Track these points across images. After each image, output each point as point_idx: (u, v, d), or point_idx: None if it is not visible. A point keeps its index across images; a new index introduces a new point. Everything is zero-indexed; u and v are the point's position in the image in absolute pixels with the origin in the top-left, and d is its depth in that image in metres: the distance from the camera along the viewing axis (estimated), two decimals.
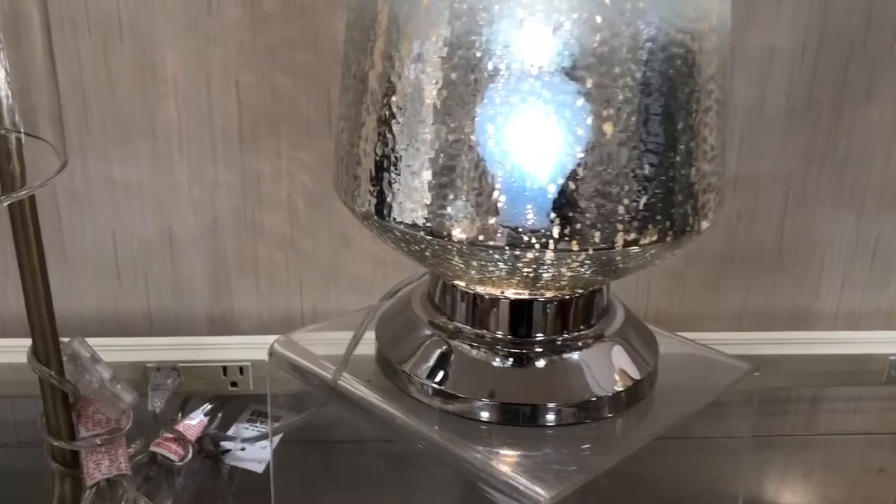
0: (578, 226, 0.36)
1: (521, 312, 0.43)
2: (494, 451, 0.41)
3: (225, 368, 0.66)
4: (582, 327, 0.44)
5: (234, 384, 0.67)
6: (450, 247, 0.38)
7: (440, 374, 0.44)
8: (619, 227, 0.36)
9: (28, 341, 0.51)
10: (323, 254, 0.70)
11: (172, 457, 0.63)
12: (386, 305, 0.50)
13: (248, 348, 0.68)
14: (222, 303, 0.71)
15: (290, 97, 0.66)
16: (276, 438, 0.57)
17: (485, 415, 0.43)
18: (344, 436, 0.58)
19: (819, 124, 0.69)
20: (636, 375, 0.44)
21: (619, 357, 0.44)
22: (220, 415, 0.67)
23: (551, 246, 0.36)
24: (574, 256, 0.36)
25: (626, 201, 0.36)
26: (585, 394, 0.42)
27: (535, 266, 0.38)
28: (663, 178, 0.36)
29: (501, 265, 0.38)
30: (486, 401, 0.42)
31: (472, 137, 0.36)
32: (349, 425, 0.53)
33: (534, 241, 0.36)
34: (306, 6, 0.64)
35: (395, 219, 0.39)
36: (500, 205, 0.36)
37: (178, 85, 0.65)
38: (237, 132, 0.67)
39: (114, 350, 0.64)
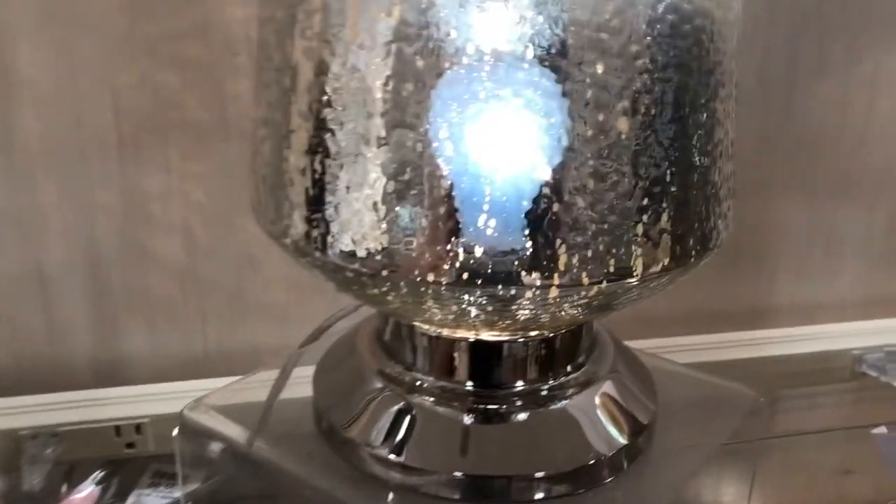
0: (579, 255, 0.28)
1: (494, 357, 0.35)
2: None
3: (118, 428, 0.55)
4: (569, 369, 0.36)
5: (130, 445, 0.56)
6: (410, 286, 0.29)
7: (397, 440, 0.35)
8: (636, 251, 0.28)
9: None
10: (227, 281, 0.60)
11: None
12: (322, 348, 0.41)
13: (146, 401, 0.57)
14: (109, 348, 0.59)
15: (178, 99, 0.56)
16: None
17: (455, 492, 0.34)
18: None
19: (771, 106, 0.64)
20: (637, 424, 0.36)
21: (616, 403, 0.36)
22: (115, 482, 0.56)
23: (545, 281, 0.28)
24: (575, 293, 0.28)
25: (642, 220, 0.28)
26: (580, 455, 0.35)
27: (522, 306, 0.29)
28: (686, 185, 0.29)
29: (475, 307, 0.30)
30: (457, 474, 0.34)
31: (436, 147, 0.27)
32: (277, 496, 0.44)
33: (523, 276, 0.28)
34: None
35: (338, 251, 0.30)
36: (471, 231, 0.27)
37: (37, 88, 0.54)
38: (115, 143, 0.56)
39: None
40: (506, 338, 0.35)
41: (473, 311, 0.29)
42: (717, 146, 0.30)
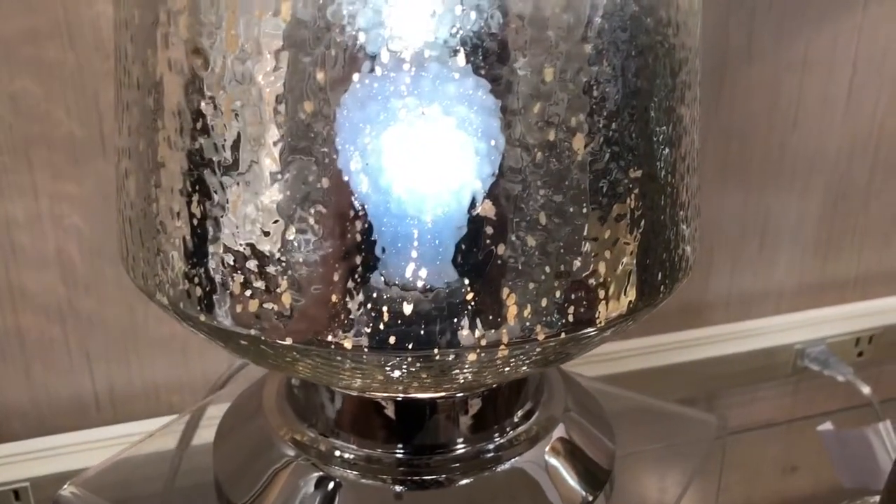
0: (531, 306, 0.22)
1: (428, 416, 0.30)
2: None
3: None
4: (516, 420, 0.31)
5: None
6: (323, 354, 0.23)
7: None
8: (599, 294, 0.23)
9: None
10: (115, 315, 0.53)
11: None
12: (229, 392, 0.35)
13: (25, 460, 0.49)
14: None
15: (43, 110, 0.48)
16: None
17: None
18: None
19: (701, 94, 0.60)
20: (599, 472, 0.31)
21: (574, 452, 0.31)
22: None
23: (483, 341, 0.22)
24: (527, 349, 0.23)
25: (606, 254, 0.23)
26: None
27: (457, 370, 0.24)
28: (652, 209, 0.24)
29: (405, 374, 0.24)
30: None
31: (346, 180, 0.21)
32: None
33: (458, 334, 0.22)
34: None
35: (227, 314, 0.23)
36: (396, 284, 0.22)
37: None
38: None
39: None
40: (441, 394, 0.29)
41: (404, 379, 0.24)
42: (683, 159, 0.25)
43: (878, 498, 0.56)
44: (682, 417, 0.37)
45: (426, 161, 0.21)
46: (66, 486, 0.33)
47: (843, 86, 0.65)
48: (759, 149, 0.63)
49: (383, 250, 0.21)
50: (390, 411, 0.29)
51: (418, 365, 0.23)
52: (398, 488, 0.29)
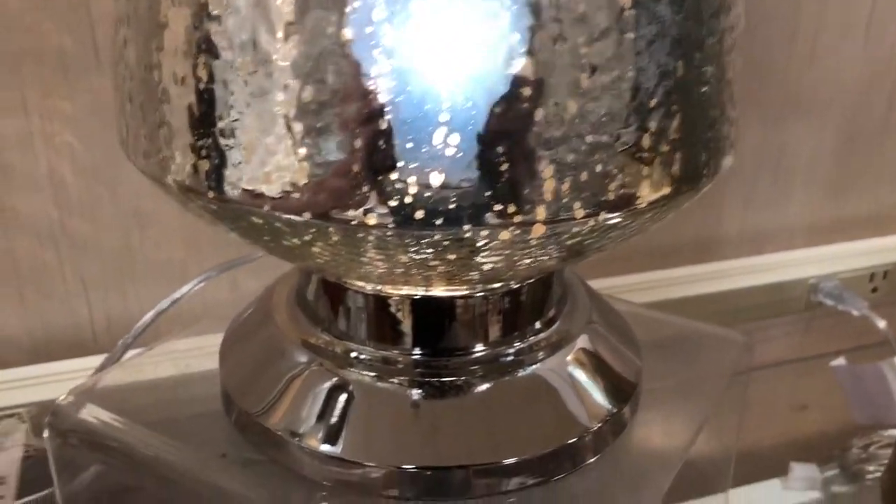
0: (570, 180, 0.21)
1: (447, 318, 0.28)
2: None
3: None
4: (538, 326, 0.29)
5: None
6: (344, 233, 0.21)
7: (329, 427, 0.28)
8: (642, 170, 0.21)
9: None
10: (111, 240, 0.51)
11: None
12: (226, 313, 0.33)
13: (22, 387, 0.48)
14: None
15: (29, 21, 0.45)
16: None
17: (404, 489, 0.27)
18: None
19: None
20: (625, 385, 0.30)
21: (598, 362, 0.30)
22: None
23: (518, 217, 0.21)
24: (564, 229, 0.21)
25: (651, 126, 0.21)
26: (559, 431, 0.28)
27: (487, 252, 0.22)
28: (699, 80, 0.22)
29: (431, 256, 0.22)
30: (406, 468, 0.27)
31: (369, 33, 0.19)
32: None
33: (490, 209, 0.21)
34: None
35: (239, 190, 0.22)
36: (424, 152, 0.20)
37: None
38: None
39: None
40: (460, 292, 0.28)
41: (429, 262, 0.22)
42: (732, 30, 0.23)
43: (892, 432, 0.55)
44: (707, 336, 0.35)
45: (458, 11, 0.19)
46: (63, 396, 0.31)
47: (862, 16, 0.62)
48: (777, 81, 0.61)
49: (410, 114, 0.19)
50: (408, 311, 0.27)
51: (445, 244, 0.21)
52: (415, 392, 0.28)
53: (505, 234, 0.21)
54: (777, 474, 0.55)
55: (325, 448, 0.27)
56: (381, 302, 0.28)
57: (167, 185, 0.23)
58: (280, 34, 0.19)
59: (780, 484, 0.54)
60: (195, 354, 0.34)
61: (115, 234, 0.51)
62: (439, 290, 0.27)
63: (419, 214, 0.20)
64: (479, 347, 0.29)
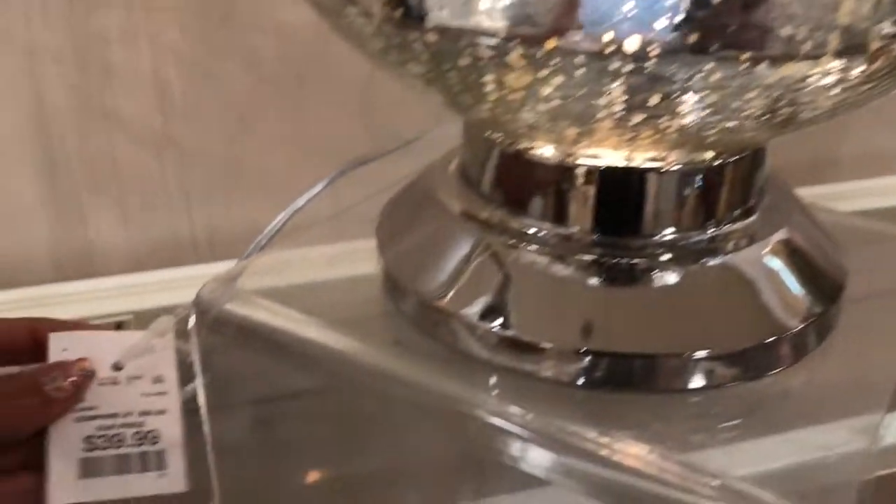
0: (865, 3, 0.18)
1: (634, 194, 0.26)
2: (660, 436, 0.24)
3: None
4: (735, 214, 0.27)
5: None
6: (549, 56, 0.19)
7: (504, 309, 0.26)
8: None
9: None
10: (214, 147, 0.49)
11: None
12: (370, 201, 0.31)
13: (125, 294, 0.46)
14: (72, 234, 0.48)
15: None
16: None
17: (580, 375, 0.25)
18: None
19: None
20: (830, 286, 0.27)
21: (803, 258, 0.27)
22: None
23: (803, 45, 0.18)
24: (851, 63, 0.18)
25: None
26: (755, 328, 0.26)
27: (685, 91, 0.19)
28: None
29: (627, 94, 0.20)
30: (583, 351, 0.25)
31: None
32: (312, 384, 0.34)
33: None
34: None
35: (438, 23, 0.19)
36: None
37: None
38: None
39: None
40: (651, 165, 0.25)
41: (615, 104, 0.19)
42: None
43: None
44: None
45: None
46: (206, 284, 0.29)
47: None
48: None
49: None
50: (593, 184, 0.25)
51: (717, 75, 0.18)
52: (595, 274, 0.25)
53: (788, 69, 0.18)
54: None
55: (500, 330, 0.25)
56: (565, 173, 0.25)
57: (361, 19, 0.21)
58: None
59: None
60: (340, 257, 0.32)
61: (219, 140, 0.49)
62: (639, 156, 0.24)
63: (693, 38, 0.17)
64: (670, 231, 0.26)
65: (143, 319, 0.45)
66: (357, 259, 0.30)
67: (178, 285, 0.48)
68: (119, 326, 0.45)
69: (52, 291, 0.45)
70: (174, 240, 0.50)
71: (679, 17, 0.17)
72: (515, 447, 0.25)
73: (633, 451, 0.24)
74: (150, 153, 0.48)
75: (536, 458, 0.25)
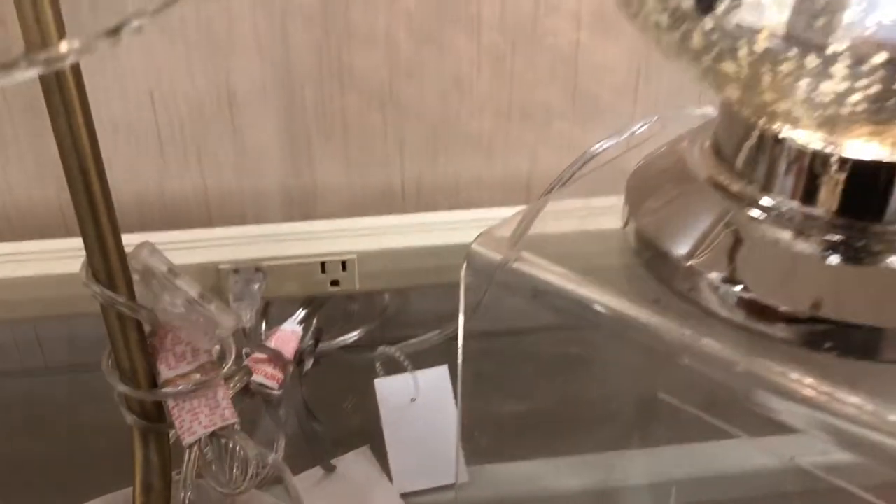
0: None
1: (879, 183, 0.28)
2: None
3: (323, 264, 0.50)
4: None
5: (334, 283, 0.51)
6: (822, 65, 0.21)
7: (752, 274, 0.29)
8: None
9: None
10: (431, 106, 0.53)
11: (271, 383, 0.48)
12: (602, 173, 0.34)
13: (346, 236, 0.51)
14: (303, 178, 0.54)
15: None
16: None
17: (813, 339, 0.28)
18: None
19: None
20: None
21: None
22: (314, 322, 0.52)
23: None
24: None
25: None
26: None
27: None
28: None
29: None
30: (818, 317, 0.28)
31: None
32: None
33: None
34: None
35: (736, 22, 0.22)
36: None
37: None
38: None
39: (166, 249, 0.48)
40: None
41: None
42: None
43: None
44: None
45: None
46: (475, 242, 0.33)
47: None
48: None
49: None
50: (842, 171, 0.27)
51: None
52: (834, 252, 0.28)
53: None
54: None
55: (742, 292, 0.28)
56: (818, 158, 0.28)
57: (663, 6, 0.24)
58: None
59: None
60: (581, 213, 0.35)
61: (435, 100, 0.53)
62: (888, 144, 0.26)
63: None
64: None
65: (365, 260, 0.50)
66: (605, 214, 0.33)
67: (392, 231, 0.52)
68: (343, 266, 0.51)
69: (287, 230, 0.51)
70: (388, 187, 0.55)
71: None
72: (753, 394, 0.28)
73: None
74: (374, 107, 0.53)
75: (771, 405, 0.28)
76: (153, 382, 0.38)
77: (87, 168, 0.32)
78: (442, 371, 0.50)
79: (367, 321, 0.55)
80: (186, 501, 0.39)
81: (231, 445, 0.39)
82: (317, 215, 0.54)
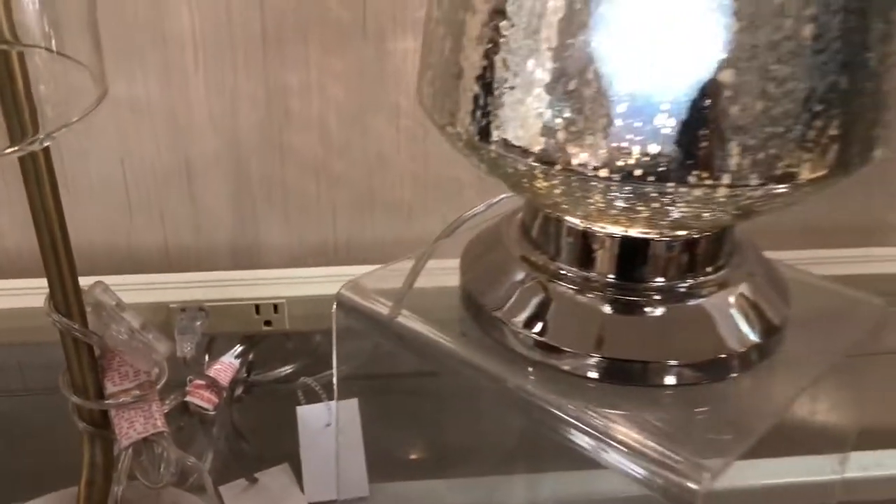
0: (750, 157, 0.29)
1: (637, 254, 0.37)
2: (623, 414, 0.35)
3: (258, 307, 0.59)
4: (708, 270, 0.38)
5: (267, 323, 0.60)
6: (582, 181, 0.31)
7: (541, 323, 0.38)
8: (789, 157, 0.29)
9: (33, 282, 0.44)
10: (357, 177, 0.63)
11: (206, 405, 0.57)
12: (458, 240, 0.44)
13: (282, 284, 0.61)
14: (248, 235, 0.64)
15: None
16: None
17: (592, 372, 0.37)
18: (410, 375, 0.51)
19: None
20: (768, 325, 0.38)
21: (751, 304, 0.38)
22: (251, 357, 0.61)
23: (695, 180, 0.29)
24: (741, 194, 0.30)
25: (799, 127, 0.29)
26: (712, 349, 0.37)
27: (671, 203, 0.31)
28: (857, 92, 0.29)
29: (629, 200, 0.31)
30: (595, 356, 0.37)
31: (599, 42, 0.28)
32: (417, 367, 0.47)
33: (674, 173, 0.29)
34: None
35: (501, 142, 0.32)
36: (648, 129, 0.29)
37: None
38: (260, 38, 0.58)
39: (129, 289, 0.57)
40: (651, 235, 0.36)
41: (619, 205, 0.31)
42: (891, 55, 0.30)
43: None
44: (849, 298, 0.42)
45: (681, 34, 0.28)
46: (343, 287, 0.42)
47: None
48: None
49: (641, 102, 0.28)
50: (608, 246, 0.37)
51: (652, 195, 0.30)
52: (606, 306, 0.37)
53: (697, 192, 0.29)
54: None
55: (537, 336, 0.37)
56: (589, 236, 0.37)
57: (452, 134, 0.33)
58: (546, 35, 0.29)
59: None
60: (437, 272, 0.45)
61: (361, 172, 0.63)
62: (636, 231, 0.36)
63: (638, 172, 0.29)
64: (659, 279, 0.37)
65: (294, 304, 0.60)
66: (449, 274, 0.42)
67: (320, 281, 0.62)
68: (275, 308, 0.60)
69: (230, 276, 0.61)
70: (322, 244, 0.65)
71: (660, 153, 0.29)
72: (540, 419, 0.37)
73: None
74: (309, 177, 0.63)
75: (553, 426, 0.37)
76: (100, 395, 0.47)
77: (52, 224, 0.42)
78: (353, 402, 0.59)
79: (301, 357, 0.64)
80: (119, 494, 0.48)
81: (160, 450, 0.48)
82: (260, 266, 0.64)
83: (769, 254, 0.59)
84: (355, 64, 0.59)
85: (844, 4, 0.28)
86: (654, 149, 0.29)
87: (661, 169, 0.29)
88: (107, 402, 0.47)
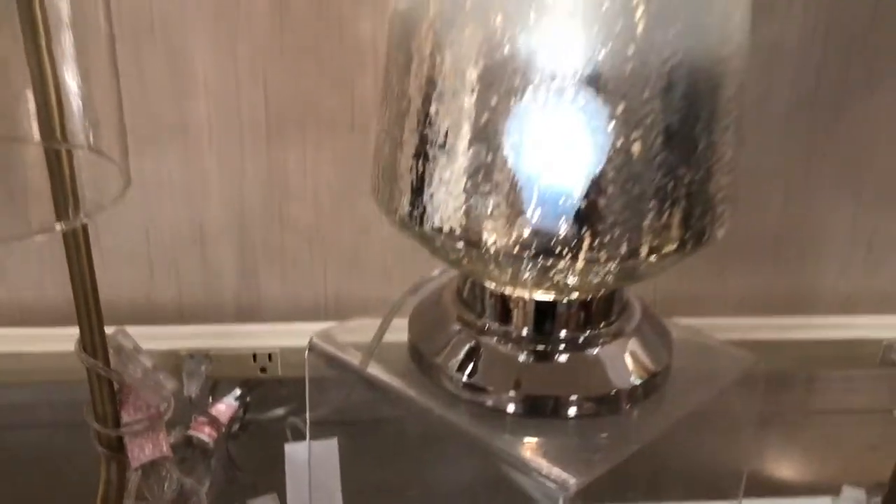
0: (607, 237, 0.39)
1: (545, 312, 0.46)
2: (524, 440, 0.44)
3: (255, 355, 0.69)
4: (602, 325, 0.47)
5: (262, 370, 0.70)
6: (483, 254, 0.41)
7: (470, 368, 0.47)
8: (645, 238, 0.39)
9: (65, 330, 0.54)
10: (346, 244, 0.73)
11: (206, 439, 0.66)
12: (416, 300, 0.54)
13: (276, 335, 0.71)
14: (250, 292, 0.74)
15: (315, 91, 0.69)
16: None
17: (512, 407, 0.46)
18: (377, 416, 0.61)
19: (820, 118, 0.72)
20: (651, 370, 0.47)
21: (636, 353, 0.47)
22: (248, 399, 0.71)
23: (581, 255, 0.39)
24: (601, 266, 0.39)
25: (651, 215, 0.39)
26: (605, 387, 0.46)
27: (564, 273, 0.41)
28: (686, 192, 0.39)
29: (531, 271, 0.41)
30: (513, 393, 0.46)
31: (507, 153, 0.38)
32: (381, 409, 0.57)
33: (564, 251, 0.39)
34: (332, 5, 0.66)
35: (431, 227, 0.42)
36: (532, 217, 0.39)
37: (208, 83, 0.68)
38: (264, 127, 0.69)
39: (147, 338, 0.67)
40: (553, 298, 0.46)
41: (525, 274, 0.41)
42: (716, 162, 0.40)
43: None
44: (726, 350, 0.51)
45: (563, 145, 0.38)
46: (317, 333, 0.52)
47: None
48: (876, 169, 0.74)
49: (520, 196, 0.38)
50: (521, 306, 0.46)
51: (531, 265, 0.40)
52: (521, 354, 0.46)
53: (561, 263, 0.39)
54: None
55: (466, 379, 0.47)
56: (505, 299, 0.47)
57: (395, 220, 0.44)
58: (464, 145, 0.39)
59: (829, 501, 0.68)
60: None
61: (349, 239, 0.73)
62: (539, 294, 0.45)
63: (517, 249, 0.39)
64: (564, 332, 0.47)
65: (287, 354, 0.70)
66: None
67: (310, 333, 0.72)
68: (270, 357, 0.70)
69: (232, 329, 0.71)
70: (314, 301, 0.75)
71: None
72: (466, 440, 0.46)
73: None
74: (304, 243, 0.73)
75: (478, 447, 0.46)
76: (117, 424, 0.57)
77: (86, 282, 0.52)
78: (332, 441, 0.68)
79: (291, 400, 0.73)
80: None
81: (164, 472, 0.58)
82: (261, 320, 0.74)
83: (708, 320, 0.70)
84: (343, 151, 0.70)
85: (671, 126, 0.38)
86: (528, 233, 0.39)
87: (535, 247, 0.39)
88: (122, 429, 0.57)
